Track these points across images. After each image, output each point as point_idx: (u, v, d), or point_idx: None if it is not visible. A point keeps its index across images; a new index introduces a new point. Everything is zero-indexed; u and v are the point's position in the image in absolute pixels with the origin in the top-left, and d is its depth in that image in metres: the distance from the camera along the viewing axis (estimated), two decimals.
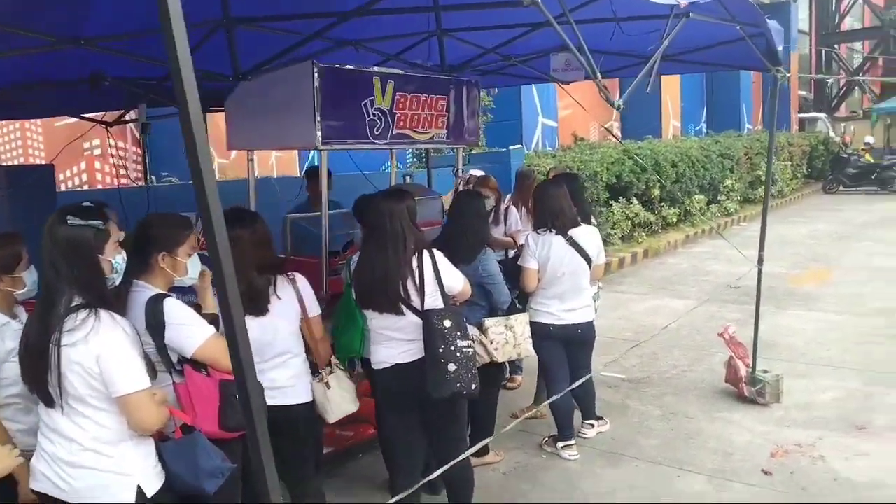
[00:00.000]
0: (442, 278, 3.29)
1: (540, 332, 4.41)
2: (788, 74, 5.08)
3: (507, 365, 5.60)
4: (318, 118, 3.90)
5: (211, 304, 2.83)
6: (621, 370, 6.12)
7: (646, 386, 5.80)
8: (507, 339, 4.09)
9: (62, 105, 5.26)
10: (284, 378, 3.08)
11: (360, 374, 4.23)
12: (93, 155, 8.38)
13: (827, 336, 6.89)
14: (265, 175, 9.06)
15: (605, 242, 10.35)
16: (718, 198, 14.79)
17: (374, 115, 4.29)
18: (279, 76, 4.10)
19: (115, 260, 2.52)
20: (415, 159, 10.80)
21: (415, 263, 3.25)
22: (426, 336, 3.18)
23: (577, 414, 4.82)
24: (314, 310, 3.22)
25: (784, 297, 8.46)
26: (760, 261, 5.49)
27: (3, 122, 8.51)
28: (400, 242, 3.24)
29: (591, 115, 13.63)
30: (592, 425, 4.86)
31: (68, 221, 2.32)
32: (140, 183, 8.22)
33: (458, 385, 3.16)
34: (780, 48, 4.63)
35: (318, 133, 3.91)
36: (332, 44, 4.35)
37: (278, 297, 3.06)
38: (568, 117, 13.68)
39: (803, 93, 27.90)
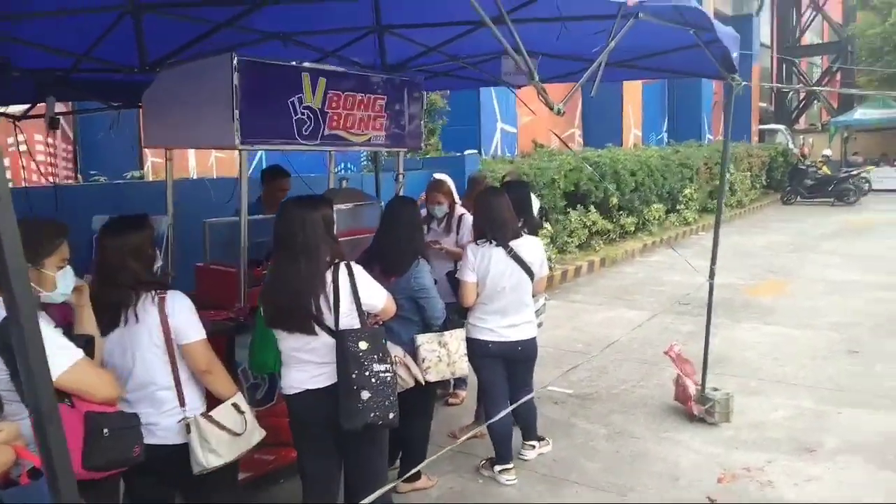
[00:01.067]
0: (360, 294, 2.95)
1: (478, 350, 4.15)
2: (745, 83, 4.87)
3: (451, 380, 5.36)
4: (237, 115, 3.59)
5: (85, 323, 2.49)
6: (569, 384, 5.87)
7: (593, 402, 5.55)
8: (441, 356, 3.82)
9: None
10: (153, 415, 2.68)
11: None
12: (17, 151, 7.85)
13: (782, 351, 6.74)
14: (203, 176, 8.63)
15: (561, 250, 10.33)
16: (677, 207, 14.73)
17: (302, 113, 3.99)
18: (196, 69, 3.77)
19: None
20: (368, 162, 10.44)
21: (329, 278, 2.92)
22: (339, 360, 2.85)
23: (518, 433, 4.56)
24: (190, 335, 2.72)
25: (740, 309, 8.33)
26: (712, 274, 5.28)
27: None
28: (312, 254, 2.90)
29: (549, 122, 13.47)
30: (533, 446, 4.59)
31: None
32: (70, 181, 7.81)
33: (373, 415, 2.83)
34: (735, 55, 4.43)
35: (237, 131, 3.60)
36: (256, 35, 4.02)
37: (136, 319, 2.68)
38: (528, 124, 13.43)
39: (764, 104, 28.24)
